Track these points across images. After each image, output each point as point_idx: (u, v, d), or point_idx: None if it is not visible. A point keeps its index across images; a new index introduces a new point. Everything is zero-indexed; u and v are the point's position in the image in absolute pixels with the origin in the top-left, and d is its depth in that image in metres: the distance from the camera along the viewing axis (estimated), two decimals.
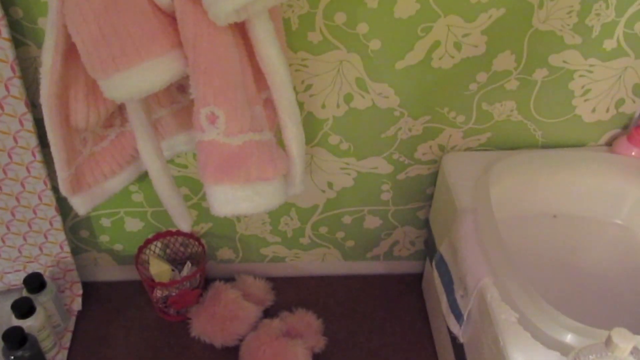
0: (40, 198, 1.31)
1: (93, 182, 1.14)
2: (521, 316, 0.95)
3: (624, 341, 0.77)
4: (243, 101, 0.83)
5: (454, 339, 1.18)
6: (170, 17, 0.74)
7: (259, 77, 0.83)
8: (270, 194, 0.83)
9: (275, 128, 0.89)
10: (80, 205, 1.15)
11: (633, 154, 1.27)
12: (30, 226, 1.36)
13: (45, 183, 1.29)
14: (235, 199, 0.81)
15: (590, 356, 0.81)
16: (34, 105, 1.20)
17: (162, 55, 0.72)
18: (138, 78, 0.71)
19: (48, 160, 1.29)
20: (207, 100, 0.83)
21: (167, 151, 1.19)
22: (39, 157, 1.24)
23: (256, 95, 0.83)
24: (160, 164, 1.08)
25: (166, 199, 1.14)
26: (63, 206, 1.40)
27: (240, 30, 0.78)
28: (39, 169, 1.26)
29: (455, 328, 1.15)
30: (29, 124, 1.19)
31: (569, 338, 0.90)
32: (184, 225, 1.11)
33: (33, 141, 1.21)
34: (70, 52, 0.81)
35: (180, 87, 1.04)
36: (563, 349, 0.90)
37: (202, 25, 0.71)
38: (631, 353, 0.78)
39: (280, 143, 0.99)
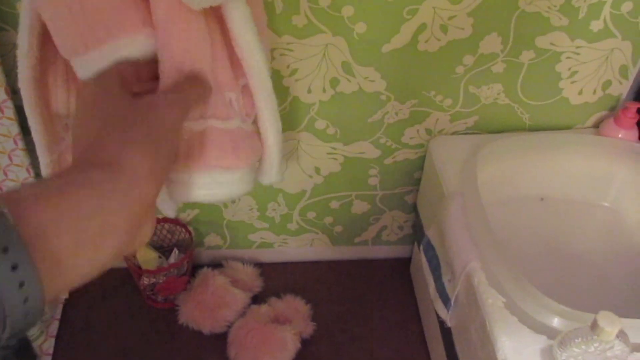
0: None
1: None
2: (508, 300, 0.95)
3: (609, 324, 0.77)
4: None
5: (441, 323, 1.18)
6: None
7: (237, 62, 0.80)
8: (230, 183, 0.79)
9: (253, 114, 0.86)
10: None
11: (620, 136, 1.26)
12: None
13: (28, 171, 1.27)
14: (193, 185, 0.77)
15: (576, 340, 0.81)
16: (14, 92, 1.18)
17: (133, 34, 0.69)
18: (109, 57, 0.69)
19: (31, 148, 1.28)
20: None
21: None
22: (21, 144, 1.22)
23: (231, 81, 0.79)
24: None
25: None
26: None
27: (216, 13, 0.76)
28: (21, 157, 1.24)
29: (442, 312, 1.15)
30: (10, 112, 1.17)
31: (555, 322, 0.90)
32: (170, 212, 1.05)
33: (15, 129, 1.19)
34: (47, 35, 0.78)
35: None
36: (550, 332, 0.90)
37: (174, 9, 0.69)
38: (617, 336, 0.78)
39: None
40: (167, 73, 0.69)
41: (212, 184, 0.72)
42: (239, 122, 0.77)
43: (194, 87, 0.63)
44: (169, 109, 0.53)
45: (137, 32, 0.70)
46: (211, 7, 0.70)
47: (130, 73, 0.59)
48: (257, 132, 0.84)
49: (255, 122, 0.84)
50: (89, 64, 0.69)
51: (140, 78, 0.63)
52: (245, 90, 0.80)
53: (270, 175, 0.90)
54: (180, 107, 0.54)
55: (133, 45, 0.69)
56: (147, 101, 0.52)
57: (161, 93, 0.58)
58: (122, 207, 0.43)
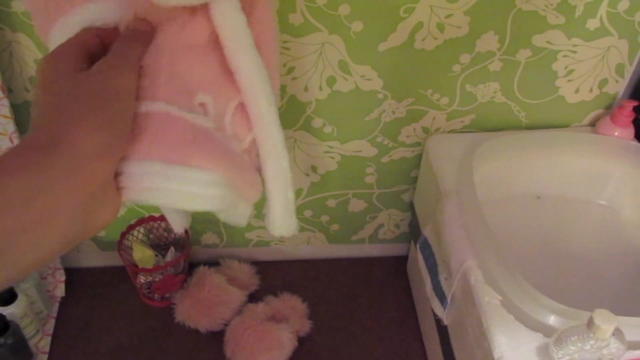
0: None
1: None
2: (504, 298, 0.95)
3: (605, 322, 0.77)
4: (160, 65, 0.57)
5: (438, 321, 1.18)
6: None
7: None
8: (185, 181, 0.52)
9: (247, 141, 0.60)
10: None
11: (616, 134, 1.27)
12: None
13: None
14: (133, 178, 0.51)
15: (572, 338, 0.81)
16: (10, 90, 1.18)
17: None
18: (72, 26, 0.59)
19: None
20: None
21: None
22: (17, 142, 1.22)
23: (222, 87, 0.58)
24: None
25: None
26: None
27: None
28: None
29: (439, 310, 1.15)
30: (6, 110, 1.17)
31: (551, 320, 0.91)
32: (177, 227, 0.79)
33: (11, 127, 1.19)
34: None
35: None
36: (546, 330, 0.90)
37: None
38: (613, 334, 0.79)
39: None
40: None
41: (157, 178, 0.50)
42: (211, 123, 0.56)
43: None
44: (114, 72, 0.47)
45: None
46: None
47: (96, 42, 0.52)
48: (247, 162, 0.61)
49: (247, 150, 0.61)
50: (56, 39, 0.59)
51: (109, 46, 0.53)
52: (242, 108, 0.59)
53: (270, 221, 0.64)
54: (128, 68, 0.48)
55: (97, 11, 0.58)
56: (93, 69, 0.47)
57: (105, 57, 0.50)
58: (66, 191, 0.40)
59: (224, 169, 0.54)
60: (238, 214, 0.60)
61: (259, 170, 0.60)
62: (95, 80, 0.45)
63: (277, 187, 0.60)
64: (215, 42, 0.59)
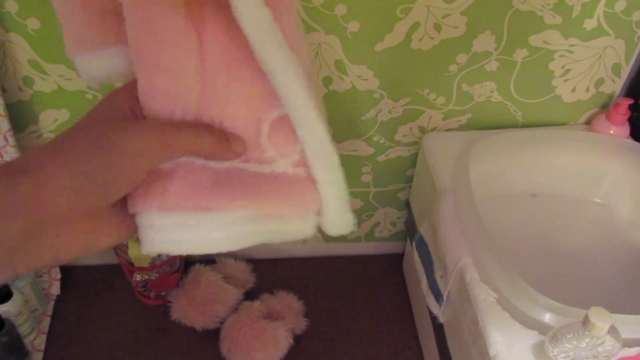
0: None
1: None
2: (500, 296, 0.96)
3: (601, 320, 0.78)
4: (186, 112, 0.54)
5: (434, 319, 1.19)
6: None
7: (270, 89, 0.54)
8: (203, 226, 0.51)
9: (296, 153, 0.56)
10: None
11: (612, 132, 1.27)
12: None
13: None
14: (147, 229, 0.51)
15: (567, 335, 0.82)
16: (4, 90, 1.17)
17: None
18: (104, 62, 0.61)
19: (21, 146, 1.27)
20: None
21: None
22: (11, 141, 1.21)
23: (247, 112, 0.49)
24: None
25: None
26: None
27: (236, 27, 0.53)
28: (12, 154, 1.24)
29: (435, 308, 1.15)
30: (0, 108, 1.16)
31: (547, 317, 0.91)
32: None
33: (5, 125, 1.19)
34: None
35: None
36: (541, 328, 0.90)
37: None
38: (608, 332, 0.79)
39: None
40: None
41: (173, 230, 0.50)
42: (237, 163, 0.53)
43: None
44: (137, 136, 0.44)
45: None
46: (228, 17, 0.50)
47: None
48: (303, 175, 0.56)
49: (299, 162, 0.56)
50: (84, 65, 0.59)
51: None
52: (282, 122, 0.54)
53: (330, 223, 0.59)
54: (161, 143, 0.45)
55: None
56: (123, 122, 0.46)
57: (150, 120, 0.48)
58: (14, 215, 0.39)
59: (256, 203, 0.52)
60: (296, 231, 0.56)
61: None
62: (114, 131, 0.44)
63: (332, 189, 0.56)
64: (239, 51, 0.54)
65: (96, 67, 0.59)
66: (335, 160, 0.56)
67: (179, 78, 0.51)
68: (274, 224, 0.54)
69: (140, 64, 0.50)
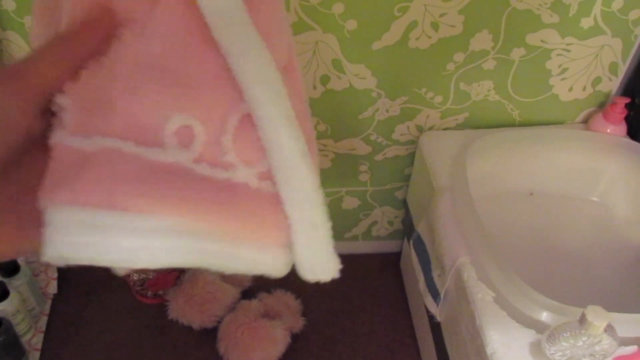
0: None
1: None
2: (497, 295, 0.96)
3: (598, 319, 0.78)
4: (114, 92, 0.48)
5: (431, 317, 1.19)
6: None
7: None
8: (123, 230, 0.34)
9: (264, 164, 0.43)
10: None
11: (609, 131, 1.27)
12: None
13: None
14: (55, 228, 0.39)
15: (564, 334, 0.82)
16: None
17: None
18: None
19: None
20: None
21: None
22: None
23: (212, 103, 0.42)
24: None
25: None
26: None
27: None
28: None
29: (432, 307, 1.15)
30: None
31: (544, 316, 0.91)
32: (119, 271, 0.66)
33: None
34: None
35: None
36: (539, 327, 0.90)
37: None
38: (605, 331, 0.79)
39: None
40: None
41: (81, 228, 0.38)
42: (185, 160, 0.41)
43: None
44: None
45: None
46: None
47: None
48: (270, 192, 0.44)
49: (266, 175, 0.44)
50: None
51: None
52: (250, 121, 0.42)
53: (303, 268, 0.45)
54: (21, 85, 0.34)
55: None
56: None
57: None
58: None
59: (193, 212, 0.40)
60: (255, 262, 0.41)
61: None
62: None
63: (303, 226, 0.42)
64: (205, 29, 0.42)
65: None
66: (315, 184, 0.41)
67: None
68: (219, 246, 0.41)
69: None
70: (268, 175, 0.41)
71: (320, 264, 0.44)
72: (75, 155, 0.39)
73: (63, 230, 0.37)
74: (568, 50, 1.20)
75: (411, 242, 1.27)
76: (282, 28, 0.46)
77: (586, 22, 1.16)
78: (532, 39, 1.18)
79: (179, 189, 0.39)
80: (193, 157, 0.41)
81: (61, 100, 0.41)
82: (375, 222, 1.60)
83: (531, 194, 1.32)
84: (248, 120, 0.41)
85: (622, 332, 0.82)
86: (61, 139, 0.41)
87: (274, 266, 0.42)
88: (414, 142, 1.37)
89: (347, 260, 1.47)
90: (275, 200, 0.41)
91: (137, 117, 0.40)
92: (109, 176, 0.38)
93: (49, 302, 1.51)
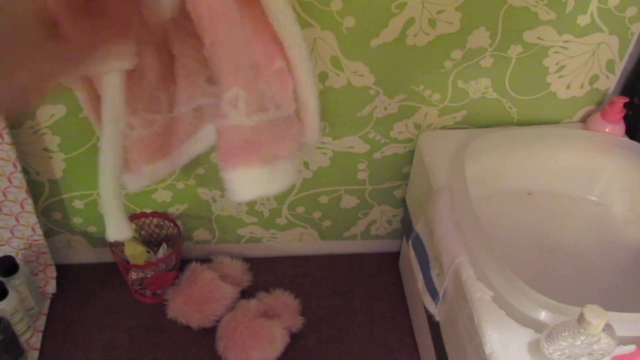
0: (10, 180, 1.29)
1: (143, 163, 1.11)
2: (496, 294, 0.95)
3: (596, 318, 0.78)
4: (252, 79, 0.84)
5: (430, 317, 1.19)
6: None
7: (269, 45, 0.86)
8: (282, 173, 0.86)
9: (288, 97, 0.94)
10: (131, 183, 1.12)
11: (607, 130, 1.27)
12: (0, 209, 1.34)
13: (14, 165, 1.26)
14: (257, 182, 0.84)
15: (563, 333, 0.81)
16: None
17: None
18: None
19: (17, 142, 1.27)
20: (229, 82, 0.82)
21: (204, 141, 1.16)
22: (7, 138, 1.21)
23: (266, 67, 0.86)
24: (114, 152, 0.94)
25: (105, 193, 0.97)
26: (34, 188, 1.38)
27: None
28: (7, 151, 1.23)
29: (431, 306, 1.15)
30: None
31: (542, 315, 0.91)
32: (115, 233, 0.94)
33: (0, 122, 1.18)
34: None
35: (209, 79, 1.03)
36: (537, 326, 0.90)
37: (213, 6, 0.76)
38: (603, 330, 0.79)
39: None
40: (216, 66, 0.80)
41: (269, 178, 0.84)
42: (274, 112, 0.86)
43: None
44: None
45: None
46: None
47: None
48: (292, 113, 0.93)
49: (289, 104, 0.93)
50: None
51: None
52: (278, 74, 0.87)
53: (314, 138, 0.98)
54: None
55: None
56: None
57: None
58: None
59: (291, 150, 0.86)
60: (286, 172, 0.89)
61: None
62: None
63: (317, 110, 0.90)
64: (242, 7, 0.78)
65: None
66: (317, 92, 0.89)
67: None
68: (287, 163, 0.85)
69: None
70: (289, 104, 0.91)
71: (318, 134, 0.99)
72: (246, 130, 0.81)
73: (251, 184, 0.84)
74: (565, 48, 1.20)
75: (410, 241, 1.27)
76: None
77: (583, 19, 1.16)
78: (529, 36, 1.17)
79: (284, 136, 0.89)
80: (272, 106, 0.88)
81: (235, 91, 0.81)
82: (374, 221, 1.59)
83: (530, 193, 1.32)
84: (276, 74, 0.86)
85: (621, 331, 0.82)
86: (240, 119, 0.83)
87: (293, 173, 0.92)
88: (412, 140, 1.37)
89: (346, 260, 1.49)
90: (295, 119, 0.90)
91: (259, 92, 0.88)
92: (262, 141, 0.84)
93: (48, 301, 1.51)
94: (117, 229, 0.92)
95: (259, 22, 0.85)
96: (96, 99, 0.95)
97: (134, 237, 1.52)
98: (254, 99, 0.85)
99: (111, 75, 0.80)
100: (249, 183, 0.87)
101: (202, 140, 1.14)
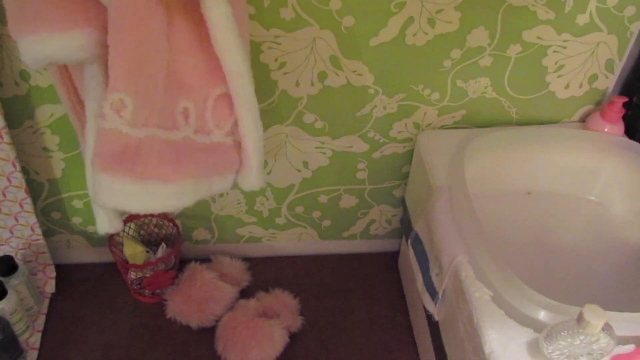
0: (9, 180, 1.29)
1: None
2: (495, 294, 0.95)
3: (595, 318, 0.78)
4: (157, 93, 0.77)
5: (429, 316, 1.19)
6: None
7: (216, 70, 0.79)
8: (163, 196, 0.76)
9: (229, 125, 0.86)
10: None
11: (606, 130, 1.27)
12: None
13: (14, 165, 1.26)
14: (123, 193, 0.75)
15: (562, 333, 0.81)
16: (0, 84, 1.17)
17: (61, 32, 0.72)
18: (37, 48, 0.73)
19: (16, 142, 1.27)
20: (118, 86, 0.76)
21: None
22: (6, 138, 1.21)
23: (198, 89, 0.80)
24: None
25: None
26: (34, 188, 1.38)
27: (195, 15, 0.74)
28: (7, 151, 1.23)
29: (430, 306, 1.15)
30: None
31: (542, 315, 0.91)
32: (104, 226, 0.97)
33: (0, 122, 1.18)
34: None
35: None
36: (536, 325, 0.90)
37: (128, 4, 0.69)
38: (603, 329, 0.79)
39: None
40: (112, 70, 0.71)
41: (142, 195, 0.71)
42: (190, 133, 0.79)
43: None
44: None
45: (66, 31, 0.72)
46: (191, 7, 0.72)
47: None
48: (230, 143, 0.87)
49: (230, 132, 0.86)
50: (23, 49, 0.74)
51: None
52: (222, 99, 0.81)
53: (250, 181, 0.92)
54: None
55: (59, 43, 0.72)
56: None
57: None
58: None
59: (188, 176, 0.78)
60: (220, 187, 0.87)
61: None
62: None
63: (258, 155, 0.83)
64: (196, 35, 0.76)
65: (57, 48, 0.71)
66: (261, 133, 0.81)
67: (152, 52, 0.71)
68: (207, 183, 0.78)
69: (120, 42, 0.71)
70: (230, 132, 0.82)
71: (259, 178, 0.92)
72: (127, 140, 0.73)
73: (117, 194, 0.76)
74: (564, 47, 1.20)
75: (409, 241, 1.27)
76: (246, 21, 0.92)
77: (582, 19, 1.16)
78: (528, 35, 1.17)
79: (191, 159, 0.79)
80: (194, 129, 0.78)
81: (123, 97, 0.74)
82: (373, 221, 1.59)
83: (529, 193, 1.32)
84: (220, 98, 0.78)
85: (620, 330, 0.82)
86: (121, 126, 0.75)
87: (229, 186, 0.86)
88: (411, 140, 1.37)
89: (345, 259, 1.48)
90: (235, 146, 0.83)
91: (167, 108, 0.75)
92: (145, 157, 0.75)
93: (47, 301, 1.51)
94: (107, 222, 0.92)
95: (207, 40, 0.79)
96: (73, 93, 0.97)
97: (133, 237, 1.52)
98: (149, 112, 0.78)
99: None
100: (111, 191, 0.78)
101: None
